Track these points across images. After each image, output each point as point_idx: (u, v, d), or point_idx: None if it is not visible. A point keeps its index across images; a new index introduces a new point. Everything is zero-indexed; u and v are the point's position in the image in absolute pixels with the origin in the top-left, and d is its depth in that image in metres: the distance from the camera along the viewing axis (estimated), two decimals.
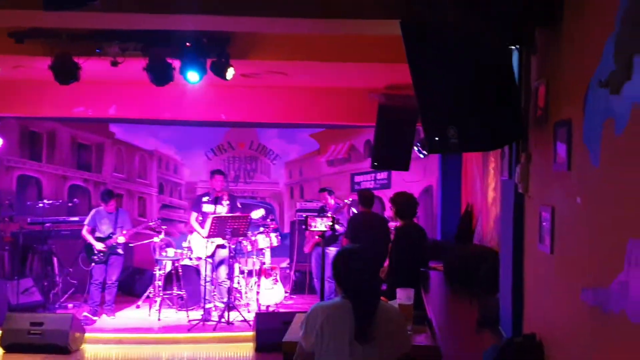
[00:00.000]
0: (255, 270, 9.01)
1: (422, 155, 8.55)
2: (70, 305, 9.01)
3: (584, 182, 2.32)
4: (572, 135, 2.44)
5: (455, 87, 2.89)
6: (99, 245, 8.42)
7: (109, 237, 8.47)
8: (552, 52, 2.78)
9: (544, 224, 2.79)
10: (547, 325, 2.80)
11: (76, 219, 9.25)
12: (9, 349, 7.03)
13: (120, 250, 8.61)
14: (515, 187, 3.27)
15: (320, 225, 6.74)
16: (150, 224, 9.03)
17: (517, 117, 3.03)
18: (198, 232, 8.41)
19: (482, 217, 6.85)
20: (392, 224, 7.79)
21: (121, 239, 8.47)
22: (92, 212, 8.70)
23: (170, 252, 9.19)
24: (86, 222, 8.61)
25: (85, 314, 8.40)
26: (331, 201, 9.05)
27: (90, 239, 8.47)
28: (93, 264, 8.51)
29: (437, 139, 2.98)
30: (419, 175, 9.03)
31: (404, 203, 5.86)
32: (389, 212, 8.15)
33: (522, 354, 2.82)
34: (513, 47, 3.19)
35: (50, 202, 9.35)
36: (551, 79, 2.77)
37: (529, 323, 3.14)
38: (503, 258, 3.63)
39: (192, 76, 6.21)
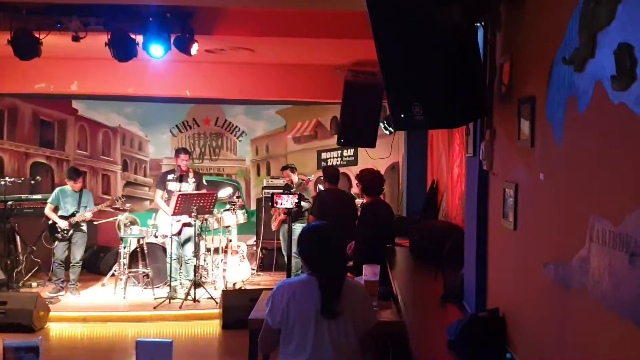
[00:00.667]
0: (222, 247, 8.98)
1: (388, 132, 8.57)
2: (34, 284, 8.87)
3: (547, 159, 2.34)
4: (535, 112, 2.46)
5: (420, 64, 2.89)
6: (63, 224, 8.32)
7: (72, 215, 8.37)
8: (516, 28, 2.79)
9: (508, 200, 2.82)
10: (510, 300, 2.84)
11: (39, 196, 9.09)
12: None
13: (84, 228, 8.52)
14: (480, 164, 3.30)
15: (287, 202, 6.72)
16: (116, 201, 8.92)
17: (481, 94, 3.04)
18: (163, 210, 8.32)
19: (447, 193, 6.92)
20: (358, 201, 7.83)
21: (88, 215, 8.39)
22: (56, 190, 8.57)
23: (135, 229, 9.10)
24: (49, 200, 8.48)
25: (48, 293, 8.30)
26: (295, 178, 9.04)
27: (53, 217, 8.36)
28: (56, 242, 8.41)
29: (402, 115, 2.99)
30: (386, 152, 9.06)
31: (370, 180, 5.86)
32: (355, 189, 8.17)
33: (486, 328, 2.87)
34: (478, 23, 3.19)
35: (12, 179, 9.13)
36: (516, 56, 2.78)
37: (493, 298, 3.19)
38: (468, 234, 3.67)
39: (156, 50, 6.10)
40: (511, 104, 2.79)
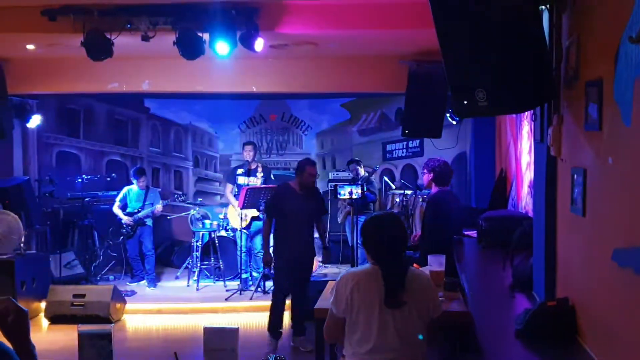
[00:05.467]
0: None
1: (454, 122, 8.45)
2: (111, 277, 9.27)
3: (616, 142, 2.27)
4: (603, 95, 2.38)
5: (483, 49, 2.84)
6: (125, 219, 8.70)
7: (137, 212, 8.74)
8: (582, 9, 2.71)
9: (577, 186, 2.75)
10: (580, 288, 2.77)
11: (114, 193, 9.46)
12: (53, 320, 7.29)
13: (148, 223, 8.88)
14: (548, 150, 3.22)
15: (349, 192, 6.75)
16: (179, 199, 9.29)
17: (547, 78, 2.96)
18: (232, 204, 8.51)
19: (516, 182, 6.77)
20: (424, 191, 7.76)
21: (158, 207, 8.78)
22: (124, 189, 8.97)
23: (207, 223, 9.36)
24: (117, 198, 8.90)
25: (128, 283, 8.87)
26: (361, 171, 9.07)
27: (119, 213, 8.79)
28: (121, 237, 8.88)
29: (465, 102, 2.95)
30: (452, 142, 8.92)
31: (441, 170, 5.81)
32: (421, 180, 8.10)
33: (555, 317, 2.80)
34: (543, 6, 3.11)
35: (89, 177, 9.55)
36: (582, 37, 2.70)
37: (562, 287, 3.11)
38: (536, 222, 3.59)
39: (222, 49, 6.21)
40: (578, 87, 2.71)
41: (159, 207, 8.84)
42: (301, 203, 6.27)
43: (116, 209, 8.86)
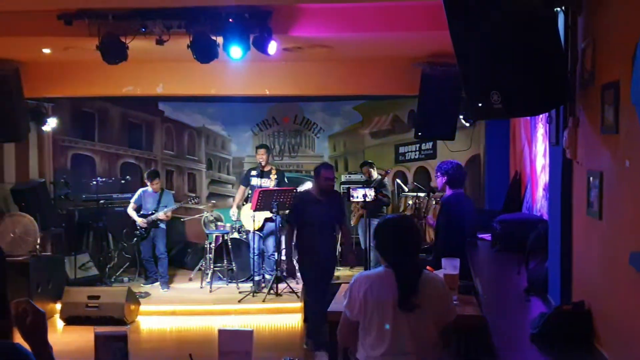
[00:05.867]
0: None
1: (467, 124, 8.42)
2: (125, 279, 9.33)
3: (633, 145, 2.25)
4: (619, 97, 2.37)
5: (497, 51, 2.83)
6: (139, 221, 8.75)
7: (151, 214, 8.78)
8: (598, 11, 2.69)
9: (593, 189, 2.73)
10: (597, 292, 2.75)
11: (129, 195, 9.51)
12: (68, 322, 7.34)
13: (162, 225, 8.91)
14: (563, 153, 3.20)
15: (362, 195, 6.73)
16: (191, 202, 9.29)
17: (563, 80, 2.95)
18: (236, 204, 8.64)
19: (531, 185, 6.73)
20: (438, 194, 7.73)
21: (162, 214, 8.82)
22: (139, 191, 9.02)
23: (220, 226, 9.39)
24: (132, 200, 8.95)
25: (142, 285, 8.94)
26: (374, 173, 9.08)
27: (133, 215, 8.84)
28: (135, 239, 8.89)
29: (480, 105, 2.94)
30: (465, 145, 8.89)
31: (454, 172, 5.79)
32: (434, 182, 8.07)
33: (571, 321, 2.78)
34: (558, 8, 3.10)
35: (104, 179, 9.62)
36: (598, 40, 2.68)
37: (578, 291, 3.09)
38: (552, 225, 3.57)
39: (235, 52, 6.24)
40: (594, 89, 2.69)
41: (167, 214, 8.85)
42: (322, 209, 6.19)
43: (130, 211, 8.91)
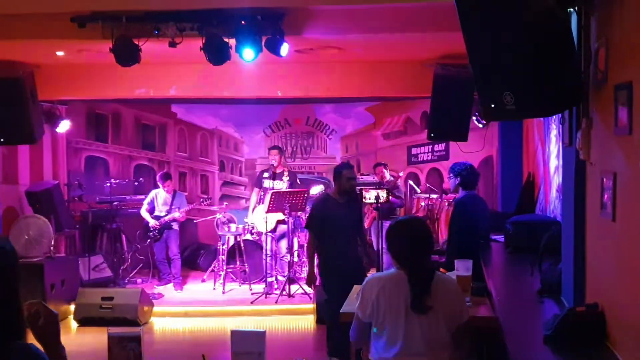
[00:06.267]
0: None
1: (480, 125, 8.39)
2: (139, 280, 9.39)
3: None
4: (633, 98, 2.35)
5: (510, 51, 2.82)
6: (152, 222, 8.80)
7: (164, 216, 8.84)
8: (612, 12, 2.68)
9: (606, 190, 2.71)
10: (610, 294, 2.73)
11: (142, 197, 9.57)
12: (81, 323, 7.40)
13: (175, 226, 8.95)
14: (577, 154, 3.18)
15: (374, 196, 6.68)
16: (204, 202, 9.33)
17: (576, 81, 2.93)
18: (252, 209, 8.67)
19: (544, 186, 6.70)
20: (451, 195, 7.71)
21: (176, 214, 8.89)
22: (152, 192, 9.08)
23: (233, 227, 9.42)
24: (145, 201, 9.02)
25: (156, 285, 9.02)
26: (387, 174, 9.06)
27: (146, 216, 8.91)
28: (149, 240, 8.99)
29: (492, 105, 2.93)
30: (478, 146, 8.85)
31: (467, 173, 5.77)
32: (447, 184, 8.05)
33: (584, 323, 2.77)
34: (571, 8, 3.08)
35: (117, 181, 9.69)
36: (611, 40, 2.67)
37: (592, 292, 3.07)
38: (565, 226, 3.55)
39: (248, 54, 6.25)
40: (607, 90, 2.68)
41: (177, 215, 8.92)
42: (344, 212, 5.82)
43: (144, 213, 8.98)
